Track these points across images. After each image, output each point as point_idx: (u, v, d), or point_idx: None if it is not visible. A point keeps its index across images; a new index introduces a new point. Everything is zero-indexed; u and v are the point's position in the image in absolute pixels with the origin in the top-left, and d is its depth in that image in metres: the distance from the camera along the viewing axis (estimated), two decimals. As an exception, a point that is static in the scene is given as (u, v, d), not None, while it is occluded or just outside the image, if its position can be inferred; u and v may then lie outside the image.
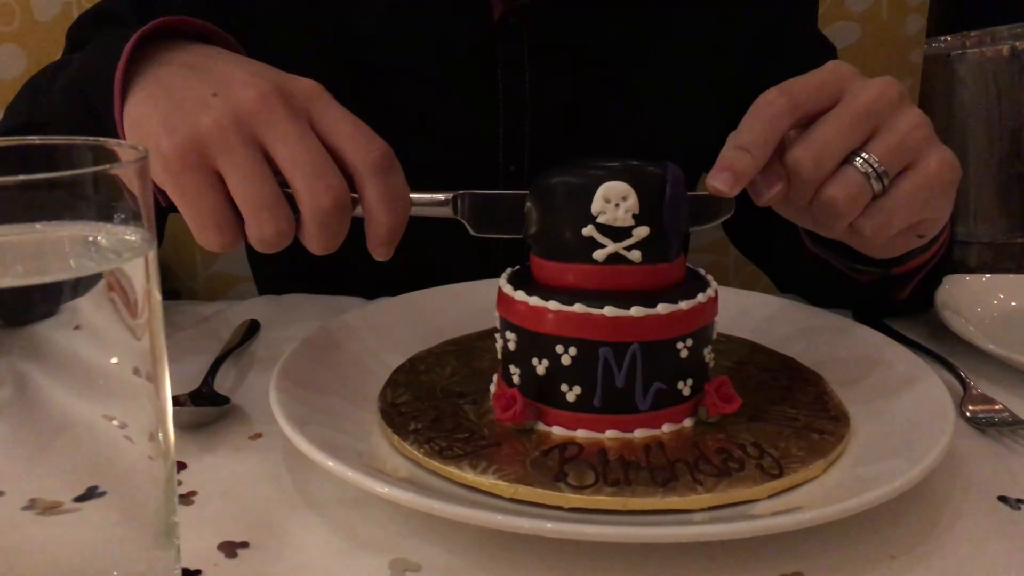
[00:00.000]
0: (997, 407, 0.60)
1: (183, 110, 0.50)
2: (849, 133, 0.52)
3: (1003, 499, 0.50)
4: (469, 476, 0.47)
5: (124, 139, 0.53)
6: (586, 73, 0.81)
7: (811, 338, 0.65)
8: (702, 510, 0.45)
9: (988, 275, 0.81)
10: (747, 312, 0.69)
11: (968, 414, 0.59)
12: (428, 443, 0.50)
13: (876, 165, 0.52)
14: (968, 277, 0.80)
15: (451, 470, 0.48)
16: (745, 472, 0.47)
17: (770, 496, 0.47)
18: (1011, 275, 0.82)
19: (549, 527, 0.41)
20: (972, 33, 1.60)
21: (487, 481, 0.46)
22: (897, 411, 0.54)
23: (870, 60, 1.23)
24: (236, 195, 0.49)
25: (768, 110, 0.51)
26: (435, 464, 0.48)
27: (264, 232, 0.50)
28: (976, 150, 1.51)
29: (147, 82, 0.53)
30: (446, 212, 0.55)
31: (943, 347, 0.69)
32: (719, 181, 0.51)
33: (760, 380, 0.59)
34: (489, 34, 0.77)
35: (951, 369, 0.65)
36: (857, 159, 0.52)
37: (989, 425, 0.58)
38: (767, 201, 0.53)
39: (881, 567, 0.44)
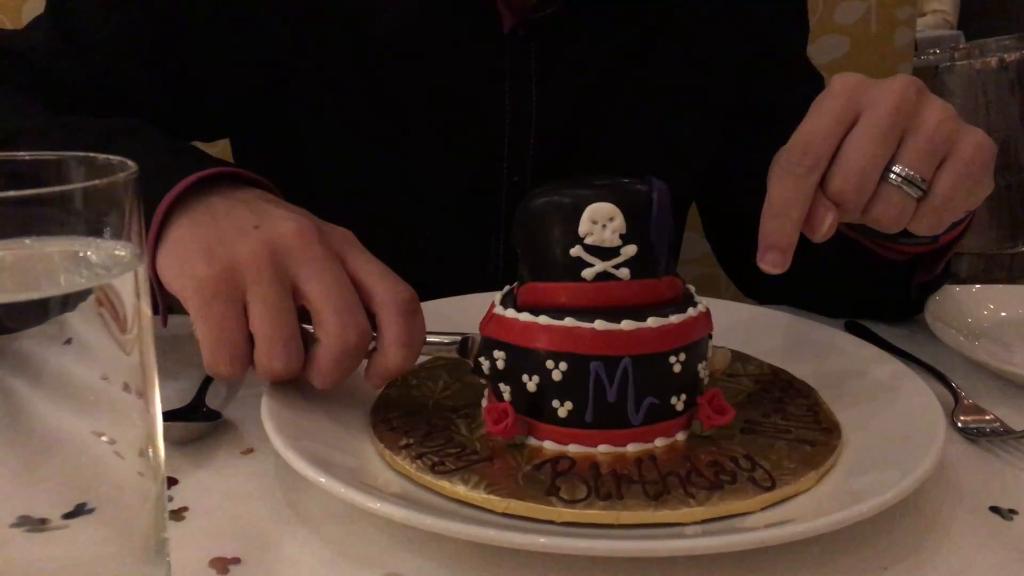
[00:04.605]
0: (988, 417, 0.60)
1: (224, 239, 0.51)
2: (880, 150, 0.52)
3: (995, 509, 0.50)
4: (461, 491, 0.47)
5: (153, 256, 0.54)
6: (591, 88, 0.81)
7: (803, 349, 0.66)
8: (694, 523, 0.45)
9: (978, 286, 0.82)
10: (738, 324, 0.69)
11: (959, 424, 0.59)
12: (420, 458, 0.50)
13: (911, 175, 0.52)
14: (959, 288, 0.80)
15: (443, 485, 0.48)
16: (737, 485, 0.47)
17: (762, 509, 0.46)
18: (1001, 285, 0.82)
19: (542, 541, 0.41)
20: (961, 45, 1.61)
21: (479, 496, 0.46)
22: (889, 422, 0.54)
23: (859, 72, 1.24)
24: (255, 325, 0.50)
25: (794, 171, 0.52)
26: (427, 479, 0.48)
27: (274, 364, 0.51)
28: (966, 161, 1.52)
29: (196, 211, 0.55)
30: (452, 352, 0.56)
31: (934, 358, 0.69)
32: (767, 263, 0.53)
33: (752, 392, 0.59)
34: (498, 47, 0.78)
35: (942, 380, 0.65)
36: (891, 174, 0.52)
37: (980, 435, 0.58)
38: (824, 236, 0.54)
39: (874, 579, 0.44)
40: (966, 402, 0.62)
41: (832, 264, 0.71)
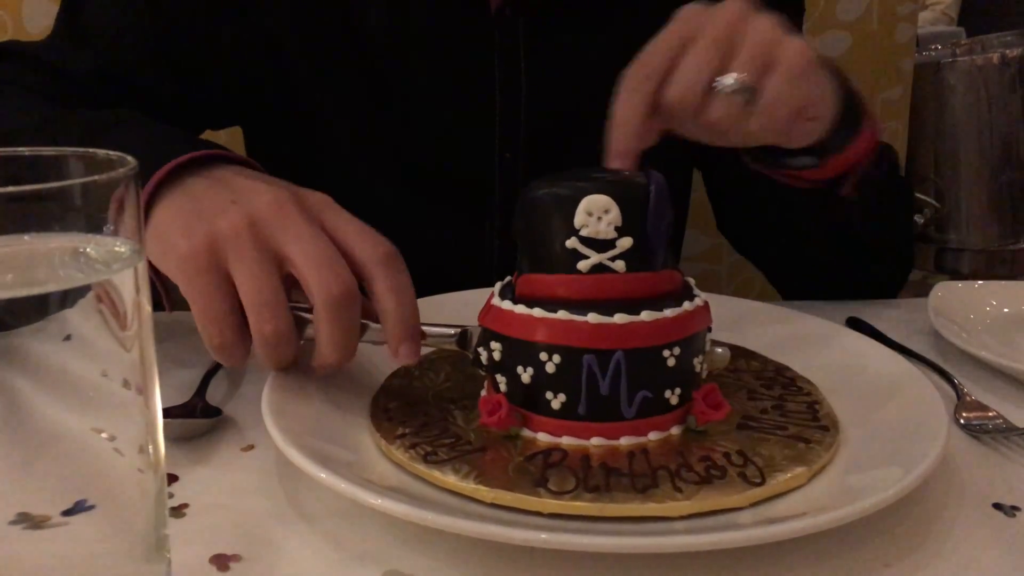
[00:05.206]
0: (991, 414, 0.60)
1: (202, 216, 0.53)
2: (706, 62, 0.56)
3: (998, 506, 0.50)
4: (451, 481, 0.47)
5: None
6: (581, 65, 0.82)
7: (804, 345, 0.65)
8: (681, 518, 0.45)
9: (980, 282, 0.82)
10: (740, 319, 0.69)
11: (962, 421, 0.59)
12: (413, 448, 0.50)
13: (738, 80, 0.56)
14: (960, 284, 0.80)
15: (434, 474, 0.48)
16: (726, 480, 0.47)
17: (753, 504, 0.46)
18: (1003, 281, 0.82)
19: (544, 537, 0.41)
20: (963, 41, 1.61)
21: (468, 486, 0.46)
22: (890, 418, 0.54)
23: (861, 69, 1.24)
24: (242, 292, 0.51)
25: (629, 85, 0.57)
26: (419, 468, 0.48)
27: (264, 328, 0.51)
28: (967, 157, 1.52)
29: (175, 193, 0.56)
30: (452, 345, 0.57)
31: (936, 354, 0.69)
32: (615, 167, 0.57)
33: (752, 388, 0.59)
34: (487, 25, 0.79)
35: (944, 376, 0.65)
36: (719, 83, 0.56)
37: (983, 432, 0.58)
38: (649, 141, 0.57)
39: None
40: (968, 398, 0.62)
41: (771, 203, 0.79)
